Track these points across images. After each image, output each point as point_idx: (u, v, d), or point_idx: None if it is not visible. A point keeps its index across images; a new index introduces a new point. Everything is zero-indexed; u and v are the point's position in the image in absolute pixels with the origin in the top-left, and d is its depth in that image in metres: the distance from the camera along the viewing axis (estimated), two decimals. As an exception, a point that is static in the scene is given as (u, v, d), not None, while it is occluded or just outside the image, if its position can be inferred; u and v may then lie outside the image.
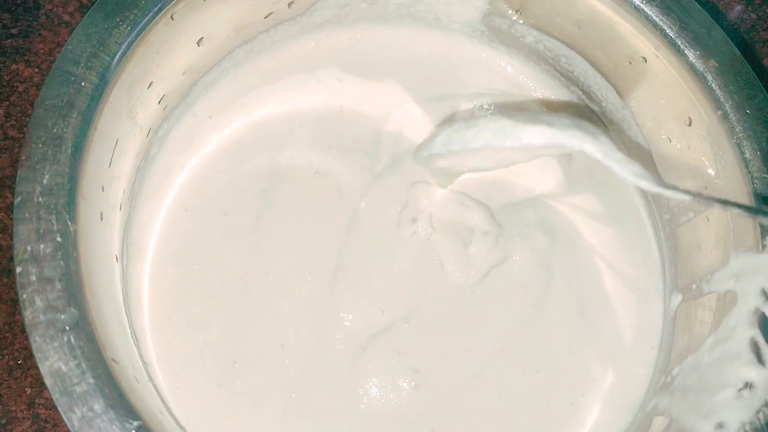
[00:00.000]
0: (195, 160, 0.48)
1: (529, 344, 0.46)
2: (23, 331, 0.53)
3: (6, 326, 0.53)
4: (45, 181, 0.34)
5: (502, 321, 0.46)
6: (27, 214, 0.33)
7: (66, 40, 0.61)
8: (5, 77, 0.59)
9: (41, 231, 0.33)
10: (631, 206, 0.50)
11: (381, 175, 0.49)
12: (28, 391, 0.52)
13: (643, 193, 0.50)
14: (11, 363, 0.52)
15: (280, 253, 0.47)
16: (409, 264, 0.47)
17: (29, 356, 0.53)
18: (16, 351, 0.53)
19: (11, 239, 0.55)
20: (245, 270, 0.46)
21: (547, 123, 0.37)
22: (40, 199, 0.33)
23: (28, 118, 0.58)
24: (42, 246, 0.33)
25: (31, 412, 0.49)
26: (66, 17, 0.61)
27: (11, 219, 0.55)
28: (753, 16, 0.66)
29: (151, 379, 0.39)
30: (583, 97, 0.52)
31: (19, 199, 0.33)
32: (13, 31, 0.60)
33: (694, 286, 0.44)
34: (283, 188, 0.49)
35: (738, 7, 0.66)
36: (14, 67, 0.59)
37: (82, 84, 0.36)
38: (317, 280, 0.46)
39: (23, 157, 0.34)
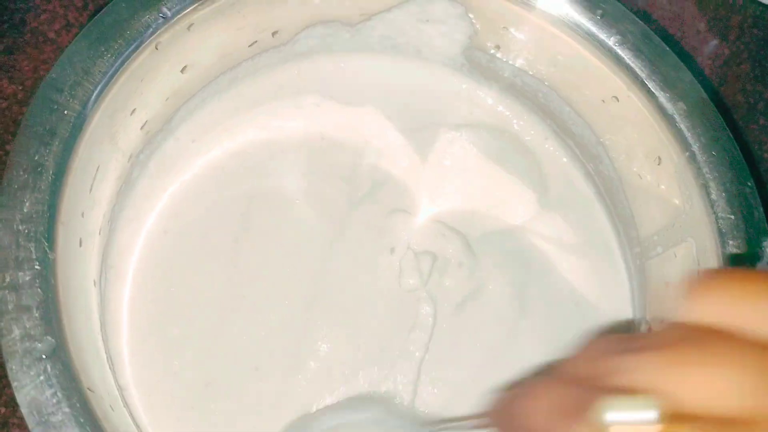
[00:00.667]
0: (176, 184, 0.49)
1: (501, 375, 0.46)
2: (-2, 354, 0.53)
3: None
4: (25, 209, 0.34)
5: (474, 351, 0.47)
6: (6, 242, 0.33)
7: (50, 58, 0.62)
8: (-12, 94, 0.59)
9: (20, 259, 0.33)
10: (603, 238, 0.52)
11: (359, 202, 0.50)
12: (2, 410, 0.52)
13: (614, 225, 0.52)
14: (-16, 382, 0.52)
15: (258, 277, 0.48)
16: (385, 294, 0.48)
17: (4, 375, 0.53)
18: (-10, 370, 0.53)
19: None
20: (222, 293, 0.47)
21: None
22: (20, 227, 0.34)
23: (9, 135, 0.58)
24: (20, 274, 0.33)
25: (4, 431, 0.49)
26: (51, 35, 0.62)
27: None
28: (727, 51, 0.68)
29: (126, 403, 0.39)
30: (558, 130, 0.53)
31: (-2, 226, 0.33)
32: (-2, 48, 0.61)
33: (661, 321, 0.45)
34: (262, 213, 0.49)
35: (713, 42, 0.68)
36: (-2, 84, 0.59)
37: (65, 112, 0.36)
38: (293, 306, 0.47)
39: (4, 184, 0.34)
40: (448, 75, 0.54)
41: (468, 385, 0.46)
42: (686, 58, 0.64)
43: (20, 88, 0.60)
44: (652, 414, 0.20)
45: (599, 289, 0.50)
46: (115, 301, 0.43)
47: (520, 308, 0.49)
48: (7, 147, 0.58)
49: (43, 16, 0.62)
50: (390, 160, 0.52)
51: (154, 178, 0.47)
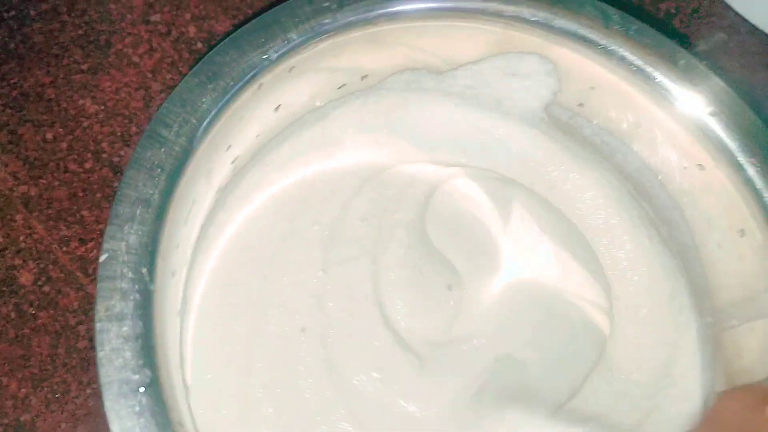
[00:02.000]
0: (250, 214, 0.49)
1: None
2: (64, 364, 0.54)
3: (48, 358, 0.54)
4: (131, 241, 0.35)
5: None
6: (111, 272, 0.34)
7: (132, 81, 0.63)
8: (72, 111, 0.61)
9: (123, 290, 0.34)
10: (677, 306, 0.51)
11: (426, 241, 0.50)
12: (63, 426, 0.53)
13: (687, 294, 0.51)
14: (49, 396, 0.53)
15: (336, 309, 0.48)
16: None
17: (67, 391, 0.53)
18: (55, 384, 0.53)
19: (61, 272, 0.56)
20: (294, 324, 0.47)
21: None
22: (126, 257, 0.34)
23: (89, 153, 0.59)
24: (122, 304, 0.34)
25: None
26: (135, 58, 0.63)
27: (63, 252, 0.56)
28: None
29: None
30: (635, 192, 0.53)
31: (105, 256, 0.34)
32: (83, 67, 0.62)
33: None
34: (334, 248, 0.50)
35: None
36: (81, 102, 0.61)
37: (173, 147, 0.37)
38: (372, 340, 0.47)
39: (112, 215, 0.35)
40: (526, 130, 0.54)
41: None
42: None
43: (102, 108, 0.61)
44: None
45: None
46: (186, 334, 0.43)
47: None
48: (86, 165, 0.59)
49: (127, 39, 0.64)
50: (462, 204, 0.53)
51: (233, 208, 0.48)
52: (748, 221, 0.45)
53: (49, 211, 0.57)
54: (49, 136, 0.59)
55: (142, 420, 0.32)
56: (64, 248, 0.55)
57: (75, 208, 0.56)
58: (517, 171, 0.54)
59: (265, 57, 0.40)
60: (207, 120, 0.38)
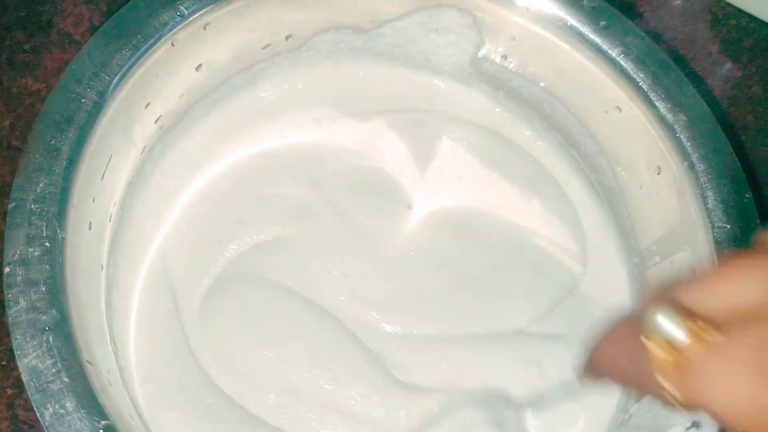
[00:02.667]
0: (188, 182, 0.50)
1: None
2: (8, 334, 0.55)
3: (-6, 328, 0.55)
4: (39, 190, 0.36)
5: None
6: (19, 219, 0.35)
7: (58, 80, 0.64)
8: (14, 90, 0.62)
9: (31, 236, 0.35)
10: (603, 247, 0.52)
11: (362, 202, 0.52)
12: (9, 392, 0.53)
13: (615, 235, 0.52)
14: (-6, 364, 0.54)
15: (270, 271, 0.48)
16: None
17: (12, 358, 0.54)
18: (1, 352, 0.54)
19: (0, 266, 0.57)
20: (235, 287, 0.48)
21: None
22: (33, 206, 0.35)
23: (32, 131, 0.60)
24: (30, 250, 0.35)
25: (9, 413, 0.51)
26: (77, 37, 0.64)
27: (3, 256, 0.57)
28: (738, 73, 0.69)
29: (125, 384, 0.40)
30: (564, 141, 0.54)
31: (12, 204, 0.35)
32: (26, 47, 0.63)
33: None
34: (271, 213, 0.51)
35: (725, 64, 0.69)
36: (23, 81, 0.62)
37: (82, 101, 0.38)
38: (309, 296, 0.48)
39: (21, 167, 0.36)
40: (455, 85, 0.55)
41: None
42: (697, 79, 0.65)
43: (44, 86, 0.62)
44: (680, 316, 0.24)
45: (599, 294, 0.50)
46: (126, 287, 0.44)
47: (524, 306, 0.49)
48: (27, 142, 0.60)
49: (69, 19, 0.65)
50: (394, 167, 0.54)
51: (166, 175, 0.49)
52: (665, 158, 0.46)
53: (-7, 187, 0.57)
54: (-8, 114, 0.59)
55: (49, 359, 0.33)
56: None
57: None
58: (448, 128, 0.55)
59: (176, 14, 0.41)
60: (118, 75, 0.39)
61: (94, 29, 0.64)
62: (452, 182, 0.53)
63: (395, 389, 0.46)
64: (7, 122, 0.61)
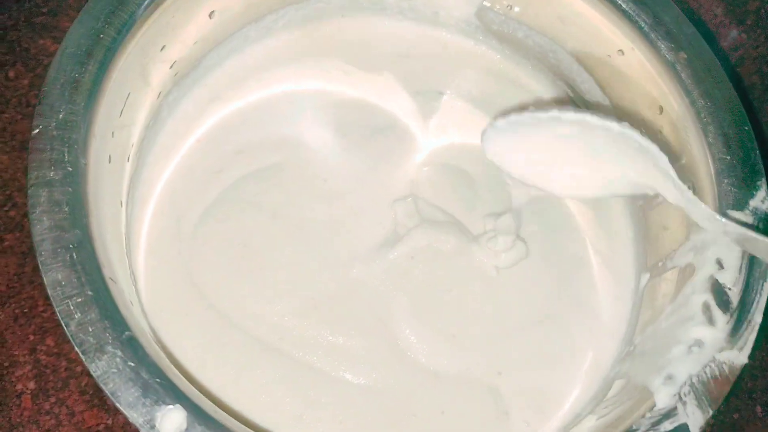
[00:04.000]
0: (201, 129, 0.52)
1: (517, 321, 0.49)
2: (30, 282, 0.56)
3: (15, 276, 0.56)
4: (60, 117, 0.37)
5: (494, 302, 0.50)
6: (41, 145, 0.37)
7: (76, 17, 0.66)
8: (33, 51, 0.63)
9: (53, 160, 0.36)
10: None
11: (368, 147, 0.53)
12: (31, 338, 0.55)
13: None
14: (17, 311, 0.56)
15: (277, 222, 0.50)
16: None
17: (34, 306, 0.56)
18: (23, 300, 0.56)
19: (26, 197, 0.59)
20: (242, 234, 0.49)
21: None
22: (55, 132, 0.37)
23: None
24: (53, 173, 0.36)
25: (32, 357, 0.52)
26: (92, 0, 0.65)
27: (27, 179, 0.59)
28: (744, 36, 0.70)
29: (143, 313, 0.42)
30: (568, 90, 0.55)
31: (36, 131, 0.37)
32: (44, 10, 0.65)
33: (660, 264, 0.47)
34: (286, 157, 0.52)
35: (731, 29, 0.69)
36: (41, 42, 0.64)
37: (101, 36, 0.40)
38: (313, 237, 0.50)
39: (42, 96, 0.37)
40: (463, 38, 0.57)
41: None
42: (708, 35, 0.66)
43: (63, 47, 0.64)
44: None
45: (608, 240, 0.52)
46: (139, 222, 0.46)
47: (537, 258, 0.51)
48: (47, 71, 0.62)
49: (86, -18, 0.66)
50: (399, 114, 0.55)
51: (181, 121, 0.51)
52: (666, 97, 0.47)
53: (13, 143, 0.59)
54: (11, 74, 0.61)
55: (73, 273, 0.34)
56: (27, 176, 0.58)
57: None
58: (456, 79, 0.56)
59: (190, -43, 0.43)
60: (135, 13, 0.41)
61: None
62: (456, 131, 0.54)
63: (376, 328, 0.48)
64: (26, 81, 0.63)
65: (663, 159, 0.37)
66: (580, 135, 0.39)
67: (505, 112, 0.54)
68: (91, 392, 0.52)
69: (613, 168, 0.40)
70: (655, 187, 0.39)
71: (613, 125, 0.37)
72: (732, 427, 0.52)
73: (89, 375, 0.51)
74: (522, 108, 0.48)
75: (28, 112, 0.61)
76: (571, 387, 0.48)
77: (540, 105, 0.56)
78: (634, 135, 0.37)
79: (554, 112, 0.39)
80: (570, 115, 0.38)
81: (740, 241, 0.38)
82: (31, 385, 0.53)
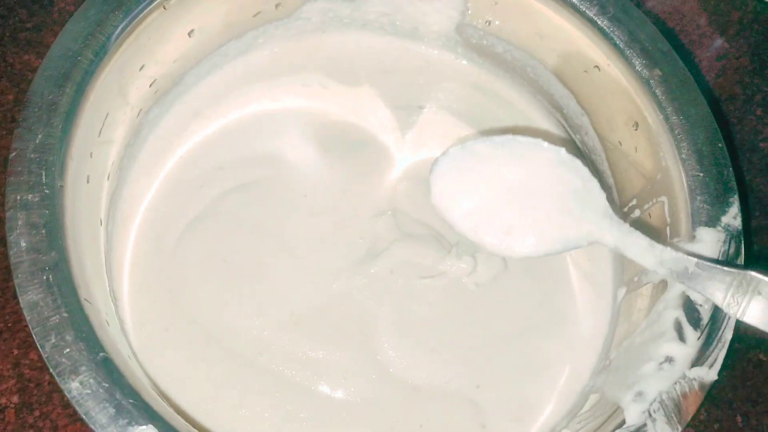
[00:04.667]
0: (180, 140, 0.52)
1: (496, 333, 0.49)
2: (15, 296, 0.57)
3: (-1, 291, 0.56)
4: (38, 140, 0.38)
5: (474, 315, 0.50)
6: (19, 168, 0.37)
7: (55, 39, 0.66)
8: (17, 66, 0.64)
9: (31, 183, 0.37)
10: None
11: (346, 164, 0.54)
12: (15, 352, 0.55)
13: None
14: (1, 326, 0.56)
15: (258, 237, 0.51)
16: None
17: (18, 320, 0.56)
18: (7, 315, 0.56)
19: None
20: (224, 250, 0.50)
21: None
22: (32, 155, 0.37)
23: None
24: (30, 195, 0.36)
25: (16, 371, 0.52)
26: (77, 15, 0.66)
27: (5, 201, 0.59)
28: (727, 45, 0.70)
29: (124, 333, 0.42)
30: (548, 104, 0.55)
31: (13, 154, 0.37)
32: (28, 26, 0.65)
33: (635, 279, 0.47)
34: (266, 173, 0.53)
35: (713, 36, 0.70)
36: (26, 57, 0.64)
37: (78, 59, 0.40)
38: (299, 251, 0.50)
39: (21, 119, 0.38)
40: (442, 52, 0.57)
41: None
42: (685, 51, 0.66)
43: (47, 62, 0.64)
44: None
45: (588, 252, 0.52)
46: (121, 240, 0.46)
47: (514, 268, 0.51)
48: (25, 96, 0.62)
49: (70, -2, 0.66)
50: (378, 129, 0.55)
51: (161, 137, 0.51)
52: (641, 112, 0.47)
53: (-1, 158, 0.60)
54: (-5, 90, 0.62)
55: (49, 295, 0.35)
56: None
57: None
58: (436, 94, 0.57)
59: (168, -22, 0.43)
60: (113, 35, 0.41)
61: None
62: (437, 146, 0.54)
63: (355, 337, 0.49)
64: (10, 97, 0.63)
65: (602, 197, 0.38)
66: (521, 164, 0.40)
67: (483, 130, 0.55)
68: (73, 405, 0.52)
69: (552, 220, 0.40)
70: (593, 233, 0.39)
71: (560, 150, 0.38)
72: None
73: (73, 389, 0.52)
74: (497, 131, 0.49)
75: (12, 128, 0.61)
76: (548, 399, 0.48)
77: (518, 118, 0.57)
78: (576, 162, 0.38)
79: (508, 135, 0.40)
80: (521, 138, 0.39)
81: (679, 275, 0.39)
82: (15, 399, 0.53)
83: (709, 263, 0.38)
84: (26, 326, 0.56)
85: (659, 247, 0.39)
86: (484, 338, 0.50)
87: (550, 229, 0.41)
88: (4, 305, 0.57)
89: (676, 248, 0.40)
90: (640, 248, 0.39)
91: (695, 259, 0.39)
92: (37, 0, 0.67)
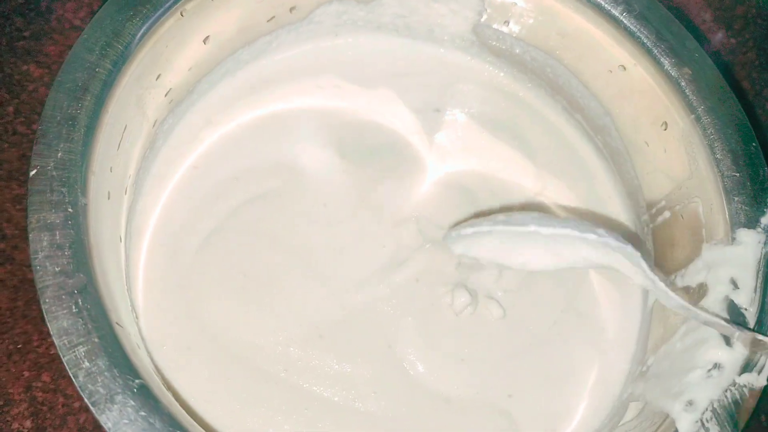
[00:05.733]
0: (196, 155, 0.51)
1: (524, 341, 0.48)
2: (24, 316, 0.55)
3: (7, 311, 0.55)
4: (59, 156, 0.36)
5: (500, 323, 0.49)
6: (41, 186, 0.35)
7: (71, 50, 0.64)
8: (16, 77, 0.61)
9: (54, 201, 0.35)
10: (609, 208, 0.53)
11: (372, 169, 0.52)
12: (26, 374, 0.53)
13: (622, 196, 0.53)
14: (11, 347, 0.54)
15: (277, 250, 0.49)
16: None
17: (28, 341, 0.54)
18: (16, 336, 0.54)
19: (15, 229, 0.57)
20: (242, 264, 0.48)
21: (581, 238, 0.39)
22: (54, 172, 0.35)
23: (36, 116, 0.60)
24: (53, 215, 0.35)
25: (28, 395, 0.51)
26: (77, 22, 0.64)
27: (17, 210, 0.57)
28: (733, 41, 0.70)
29: (147, 351, 0.41)
30: (567, 105, 0.54)
31: (34, 171, 0.35)
32: (25, 34, 0.63)
33: (670, 280, 0.47)
34: (282, 179, 0.51)
35: (720, 34, 0.69)
36: (25, 67, 0.62)
37: (96, 70, 0.38)
38: (316, 260, 0.49)
39: (39, 134, 0.36)
40: (458, 55, 0.56)
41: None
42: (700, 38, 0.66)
43: (47, 71, 0.62)
44: None
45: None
46: (137, 255, 0.45)
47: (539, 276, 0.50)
48: (33, 126, 0.60)
49: (68, 4, 0.65)
50: (402, 137, 0.54)
51: (176, 148, 0.49)
52: (670, 113, 0.47)
53: (1, 172, 0.57)
54: (-6, 101, 0.59)
55: (79, 320, 0.33)
56: (18, 206, 0.56)
57: (26, 167, 0.57)
58: (454, 96, 0.56)
59: (185, -16, 0.42)
60: (131, 44, 0.40)
61: (94, 14, 0.64)
62: (457, 149, 0.53)
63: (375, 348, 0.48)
64: (10, 108, 0.61)
65: (636, 256, 0.37)
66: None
67: (501, 133, 0.54)
68: (90, 429, 0.51)
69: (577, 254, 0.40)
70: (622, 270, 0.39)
71: (591, 236, 0.37)
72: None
73: (87, 411, 0.50)
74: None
75: (15, 140, 0.59)
76: (580, 406, 0.48)
77: (537, 120, 0.56)
78: (611, 242, 0.37)
79: (532, 227, 0.39)
80: (546, 230, 0.38)
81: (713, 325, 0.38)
82: (28, 423, 0.51)
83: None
84: (37, 347, 0.54)
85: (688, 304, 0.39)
86: (512, 347, 0.49)
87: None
88: (13, 326, 0.55)
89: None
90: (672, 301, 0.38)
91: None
92: (34, 7, 0.64)
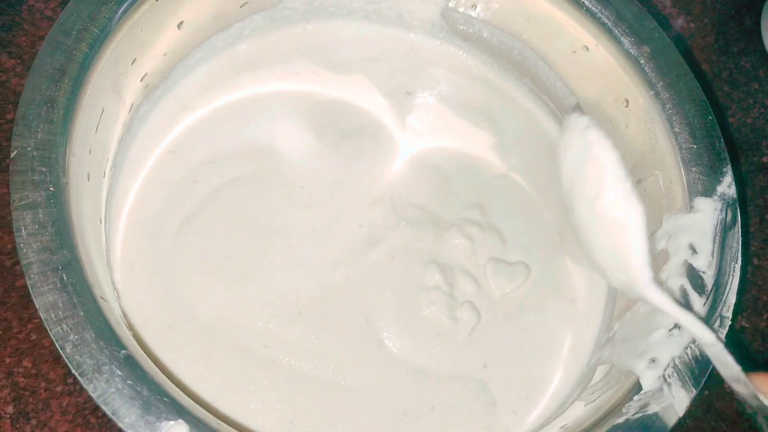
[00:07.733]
0: (172, 139, 0.51)
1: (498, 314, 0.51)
2: (3, 303, 0.55)
3: (-13, 300, 0.55)
4: (39, 137, 0.37)
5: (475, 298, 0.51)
6: (22, 166, 0.36)
7: (47, 34, 0.64)
8: (-12, 67, 0.61)
9: (35, 181, 0.36)
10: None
11: (343, 155, 0.54)
12: (8, 360, 0.54)
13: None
14: (-9, 334, 0.54)
15: (255, 231, 0.50)
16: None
17: (8, 328, 0.54)
18: (-3, 322, 0.54)
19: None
20: (221, 245, 0.49)
21: None
22: (34, 152, 0.36)
23: (10, 105, 0.60)
24: (36, 194, 0.35)
25: (9, 380, 0.51)
26: (48, 12, 0.64)
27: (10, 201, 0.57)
28: (692, 25, 0.72)
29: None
30: (534, 87, 0.56)
31: (15, 152, 0.36)
32: (-3, 25, 0.63)
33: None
34: (258, 162, 0.52)
35: (680, 19, 0.72)
36: (-3, 58, 0.62)
37: (74, 53, 0.39)
38: (288, 240, 0.50)
39: (18, 116, 0.37)
40: (428, 39, 0.58)
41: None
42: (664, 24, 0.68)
43: (18, 62, 0.62)
44: None
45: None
46: (116, 236, 0.45)
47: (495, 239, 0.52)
48: (8, 116, 0.60)
49: (39, -5, 0.64)
50: (375, 119, 0.55)
51: (151, 133, 0.50)
52: (631, 90, 0.48)
53: (-25, 162, 0.57)
54: (-33, 92, 0.59)
55: (64, 294, 0.34)
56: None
57: (1, 157, 0.57)
58: (424, 79, 0.57)
59: (158, -32, 0.42)
60: (106, 27, 0.40)
61: (64, 4, 0.64)
62: (429, 130, 0.55)
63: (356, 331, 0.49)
64: (-17, 98, 0.61)
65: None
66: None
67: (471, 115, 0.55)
68: (73, 412, 0.51)
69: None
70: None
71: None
72: (703, 404, 0.54)
73: (69, 395, 0.50)
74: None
75: (-10, 130, 0.59)
76: (554, 373, 0.49)
77: (506, 101, 0.57)
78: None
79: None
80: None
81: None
82: (10, 408, 0.51)
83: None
84: (18, 333, 0.54)
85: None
86: (486, 319, 0.51)
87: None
88: (-7, 313, 0.55)
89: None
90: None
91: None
92: (4, -2, 0.64)
